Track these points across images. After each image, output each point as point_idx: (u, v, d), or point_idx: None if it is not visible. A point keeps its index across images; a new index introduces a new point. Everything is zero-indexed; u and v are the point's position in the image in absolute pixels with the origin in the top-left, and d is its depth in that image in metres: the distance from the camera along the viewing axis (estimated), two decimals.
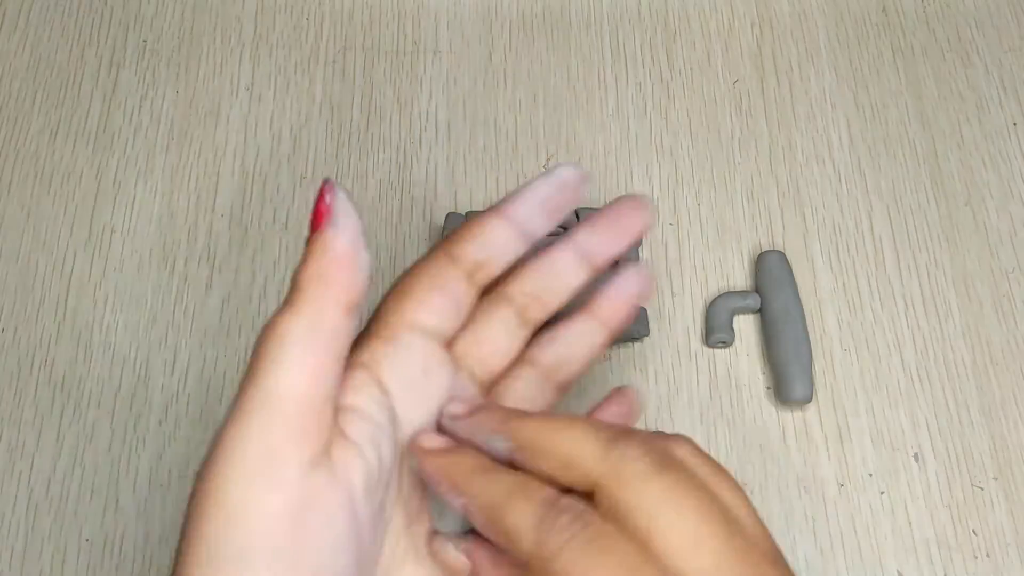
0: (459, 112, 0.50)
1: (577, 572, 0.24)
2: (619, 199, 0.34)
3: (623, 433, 0.26)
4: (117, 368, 0.44)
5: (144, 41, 0.52)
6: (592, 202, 0.48)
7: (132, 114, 0.50)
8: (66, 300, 0.46)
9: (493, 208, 0.33)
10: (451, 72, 0.52)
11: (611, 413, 0.34)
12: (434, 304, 0.31)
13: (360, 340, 0.29)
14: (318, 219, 0.26)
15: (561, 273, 0.33)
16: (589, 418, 0.30)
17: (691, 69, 0.52)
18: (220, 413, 0.43)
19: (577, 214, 0.45)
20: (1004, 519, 0.42)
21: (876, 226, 0.48)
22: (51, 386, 0.44)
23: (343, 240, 0.26)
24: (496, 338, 0.32)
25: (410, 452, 0.29)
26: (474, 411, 0.29)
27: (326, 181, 0.27)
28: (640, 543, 0.24)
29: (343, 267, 0.26)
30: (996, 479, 0.43)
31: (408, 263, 0.46)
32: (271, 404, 0.24)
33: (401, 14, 0.53)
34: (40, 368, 0.44)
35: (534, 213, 0.32)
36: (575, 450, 0.26)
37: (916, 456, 0.43)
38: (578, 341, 0.34)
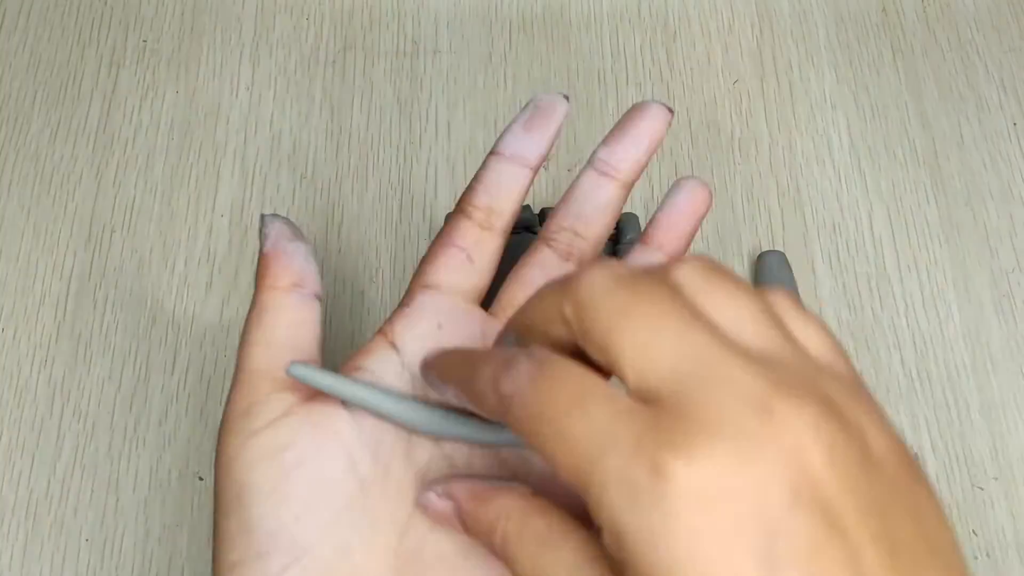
0: (459, 112, 0.50)
1: (530, 412, 0.22)
2: (630, 109, 0.33)
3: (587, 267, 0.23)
4: (117, 368, 0.44)
5: (144, 41, 0.52)
6: None
7: (132, 114, 0.50)
8: (66, 300, 0.46)
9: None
10: (451, 72, 0.52)
11: (680, 210, 0.32)
12: (445, 261, 0.32)
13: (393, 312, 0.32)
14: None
15: (587, 195, 0.33)
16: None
17: (691, 69, 0.52)
18: (220, 413, 0.43)
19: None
20: (1004, 519, 0.42)
21: (876, 226, 0.48)
22: (51, 386, 0.44)
23: (267, 244, 0.31)
24: (535, 279, 0.32)
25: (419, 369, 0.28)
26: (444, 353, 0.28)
27: (262, 217, 0.31)
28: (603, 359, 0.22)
29: (270, 261, 0.30)
30: (996, 479, 0.43)
31: (408, 263, 0.46)
32: (239, 377, 0.30)
33: (401, 14, 0.53)
34: (40, 368, 0.44)
35: (520, 138, 0.32)
36: (543, 307, 0.24)
37: (916, 456, 0.43)
38: None
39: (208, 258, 0.47)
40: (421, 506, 0.28)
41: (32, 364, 0.44)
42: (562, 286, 0.23)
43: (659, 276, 0.22)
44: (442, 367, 0.26)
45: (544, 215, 0.46)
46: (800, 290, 0.46)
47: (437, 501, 0.27)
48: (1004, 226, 0.48)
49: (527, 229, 0.46)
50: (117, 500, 0.42)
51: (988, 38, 0.53)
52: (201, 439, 0.43)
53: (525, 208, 0.46)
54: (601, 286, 0.22)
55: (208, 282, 0.46)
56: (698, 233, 0.47)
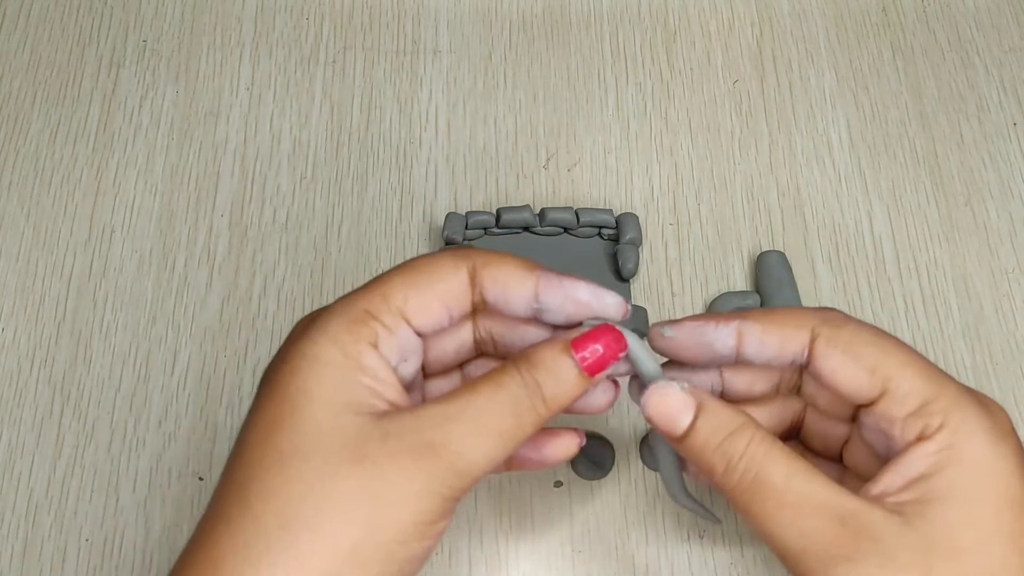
0: (459, 112, 0.50)
1: (861, 339, 0.30)
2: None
3: (825, 309, 0.32)
4: (117, 368, 0.44)
5: (144, 41, 0.52)
6: (593, 202, 0.48)
7: (132, 114, 0.50)
8: (66, 300, 0.46)
9: (532, 271, 0.31)
10: (451, 72, 0.52)
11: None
12: (435, 313, 0.31)
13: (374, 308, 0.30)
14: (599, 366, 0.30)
15: None
16: None
17: (691, 69, 0.52)
18: (220, 413, 0.43)
19: (577, 214, 0.46)
20: None
21: (876, 226, 0.48)
22: (51, 386, 0.44)
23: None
24: None
25: (663, 332, 0.32)
26: (690, 319, 0.32)
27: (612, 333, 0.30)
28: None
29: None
30: None
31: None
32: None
33: (401, 14, 0.53)
34: (40, 368, 0.44)
35: (558, 307, 0.31)
36: (797, 320, 0.31)
37: None
38: None
39: (208, 258, 0.47)
40: (652, 398, 0.30)
41: (32, 364, 0.44)
42: (817, 314, 0.31)
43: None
44: (717, 317, 0.31)
45: (544, 215, 0.46)
46: (800, 290, 0.46)
47: (678, 395, 0.30)
48: (1004, 226, 0.48)
49: (526, 229, 0.46)
50: (117, 500, 0.42)
51: (988, 38, 0.53)
52: (201, 439, 0.43)
53: (524, 208, 0.46)
54: (851, 322, 0.31)
55: (208, 282, 0.46)
56: (699, 233, 0.47)
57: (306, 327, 0.30)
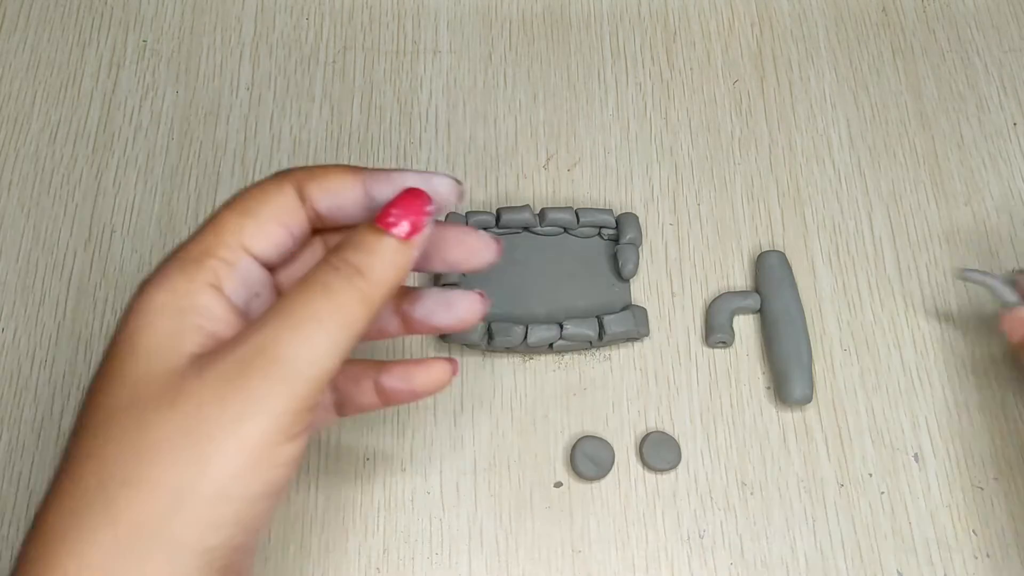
0: (459, 112, 0.50)
1: None
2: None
3: None
4: None
5: (144, 41, 0.52)
6: (593, 202, 0.48)
7: (132, 114, 0.50)
8: (66, 300, 0.46)
9: (358, 173, 0.31)
10: (451, 72, 0.52)
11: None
12: (273, 235, 0.31)
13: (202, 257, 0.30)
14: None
15: None
16: None
17: (691, 69, 0.52)
18: None
19: (577, 214, 0.46)
20: (1004, 519, 0.42)
21: (876, 226, 0.48)
22: (51, 386, 0.44)
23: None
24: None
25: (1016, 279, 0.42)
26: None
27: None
28: None
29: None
30: (996, 479, 0.43)
31: None
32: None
33: (401, 14, 0.53)
34: (40, 368, 0.44)
35: (390, 199, 0.31)
36: None
37: (916, 456, 0.43)
38: None
39: None
40: (1009, 316, 0.41)
41: (32, 364, 0.44)
42: None
43: None
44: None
45: (544, 215, 0.46)
46: (800, 290, 0.46)
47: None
48: (1004, 226, 0.48)
49: (526, 229, 0.46)
50: None
51: (988, 38, 0.53)
52: None
53: (525, 208, 0.46)
54: None
55: None
56: (699, 232, 0.48)
57: (144, 281, 0.29)
